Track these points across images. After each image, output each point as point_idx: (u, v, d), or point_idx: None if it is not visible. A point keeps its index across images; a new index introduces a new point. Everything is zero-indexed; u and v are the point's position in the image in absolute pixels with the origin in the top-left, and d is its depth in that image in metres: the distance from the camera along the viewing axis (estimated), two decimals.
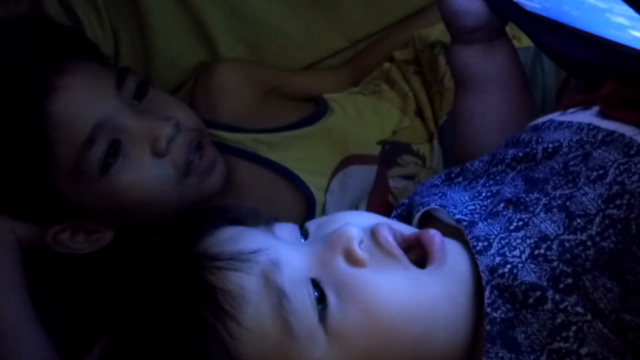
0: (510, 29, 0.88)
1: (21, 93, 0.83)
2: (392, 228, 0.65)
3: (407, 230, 0.68)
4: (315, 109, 1.07)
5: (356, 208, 1.00)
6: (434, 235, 0.64)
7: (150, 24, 1.10)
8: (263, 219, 0.68)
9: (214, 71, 1.09)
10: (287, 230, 0.68)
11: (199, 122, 0.95)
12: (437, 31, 1.08)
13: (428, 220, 0.74)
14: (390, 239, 0.64)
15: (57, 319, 0.85)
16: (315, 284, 0.62)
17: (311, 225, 0.69)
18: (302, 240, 0.67)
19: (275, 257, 0.63)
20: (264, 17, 1.12)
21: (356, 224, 0.65)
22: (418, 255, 0.65)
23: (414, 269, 0.63)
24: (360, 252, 0.63)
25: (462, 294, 0.64)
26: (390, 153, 1.02)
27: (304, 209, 0.99)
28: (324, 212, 0.99)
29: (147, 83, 0.91)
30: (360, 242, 0.64)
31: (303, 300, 0.61)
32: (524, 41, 0.95)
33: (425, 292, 0.62)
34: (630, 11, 0.56)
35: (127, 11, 1.10)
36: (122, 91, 0.88)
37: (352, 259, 0.63)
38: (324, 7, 1.13)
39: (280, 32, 1.14)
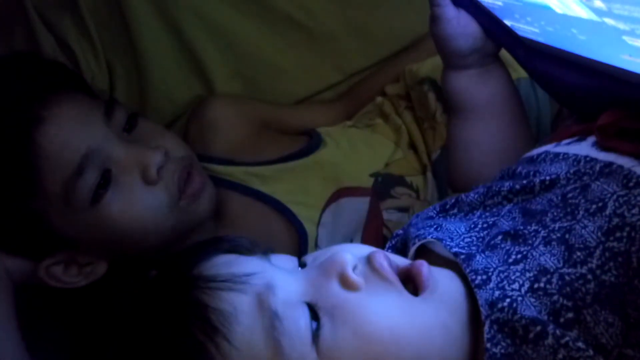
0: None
1: (8, 125, 0.83)
2: (387, 256, 0.66)
3: (402, 262, 0.68)
4: (308, 142, 1.07)
5: (350, 241, 0.99)
6: (420, 265, 0.65)
7: (145, 59, 1.11)
8: (260, 249, 0.69)
9: (207, 106, 1.10)
10: (283, 259, 0.69)
11: (189, 151, 0.96)
12: (427, 67, 1.08)
13: (424, 253, 0.73)
14: (385, 264, 0.65)
15: (50, 356, 0.84)
16: (310, 307, 0.63)
17: (308, 258, 0.69)
18: (299, 269, 0.68)
19: (270, 281, 0.64)
20: (258, 52, 1.14)
21: (351, 252, 0.66)
22: (414, 287, 0.65)
23: (407, 295, 0.64)
24: (354, 276, 0.64)
25: (455, 322, 0.64)
26: (383, 185, 1.01)
27: (296, 242, 0.99)
28: (316, 245, 0.99)
29: (136, 115, 0.92)
30: (355, 268, 0.65)
31: (296, 322, 0.62)
32: (520, 71, 0.95)
33: (418, 318, 0.63)
34: None
35: (122, 46, 1.11)
36: (111, 122, 0.88)
37: (346, 283, 0.64)
38: (318, 41, 1.14)
39: (274, 67, 1.15)
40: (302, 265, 0.68)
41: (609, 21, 0.59)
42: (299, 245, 0.98)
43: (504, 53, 0.87)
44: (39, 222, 0.84)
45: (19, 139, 0.82)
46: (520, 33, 0.78)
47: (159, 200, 0.88)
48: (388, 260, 0.66)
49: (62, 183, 0.83)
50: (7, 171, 0.83)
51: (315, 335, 0.61)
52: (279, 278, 0.65)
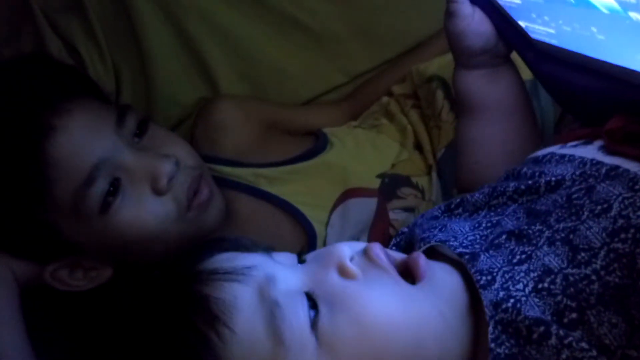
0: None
1: (19, 133, 0.83)
2: (384, 249, 0.68)
3: (399, 256, 0.70)
4: (315, 143, 1.07)
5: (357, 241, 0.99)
6: (417, 256, 0.67)
7: (151, 61, 1.11)
8: (261, 247, 0.70)
9: (214, 107, 1.09)
10: (284, 256, 0.71)
11: (199, 160, 0.95)
12: (435, 66, 1.09)
13: (430, 254, 0.73)
14: (382, 255, 0.67)
15: (56, 356, 0.85)
16: (309, 296, 0.65)
17: (307, 255, 0.71)
18: (299, 265, 0.70)
19: (270, 273, 0.66)
20: (264, 55, 1.14)
21: (349, 246, 0.69)
22: (412, 281, 0.67)
23: (404, 283, 0.66)
24: (351, 265, 0.66)
25: (452, 312, 0.65)
26: (390, 186, 1.02)
27: (305, 243, 0.99)
28: (324, 246, 0.98)
29: (147, 121, 0.91)
30: (352, 259, 0.67)
31: (295, 310, 0.63)
32: (524, 73, 0.95)
33: (415, 305, 0.64)
34: None
35: (128, 48, 1.11)
36: (122, 129, 0.87)
37: (344, 272, 0.66)
38: (322, 43, 1.15)
39: (280, 69, 1.15)
40: (302, 261, 0.70)
41: (635, 15, 0.58)
42: (308, 246, 0.99)
43: (512, 55, 0.87)
44: (47, 229, 0.84)
45: (30, 148, 0.82)
46: (533, 35, 0.78)
47: (168, 210, 0.88)
48: (385, 251, 0.68)
49: (71, 192, 0.83)
50: (16, 179, 0.83)
51: (314, 322, 0.63)
52: (280, 271, 0.67)
